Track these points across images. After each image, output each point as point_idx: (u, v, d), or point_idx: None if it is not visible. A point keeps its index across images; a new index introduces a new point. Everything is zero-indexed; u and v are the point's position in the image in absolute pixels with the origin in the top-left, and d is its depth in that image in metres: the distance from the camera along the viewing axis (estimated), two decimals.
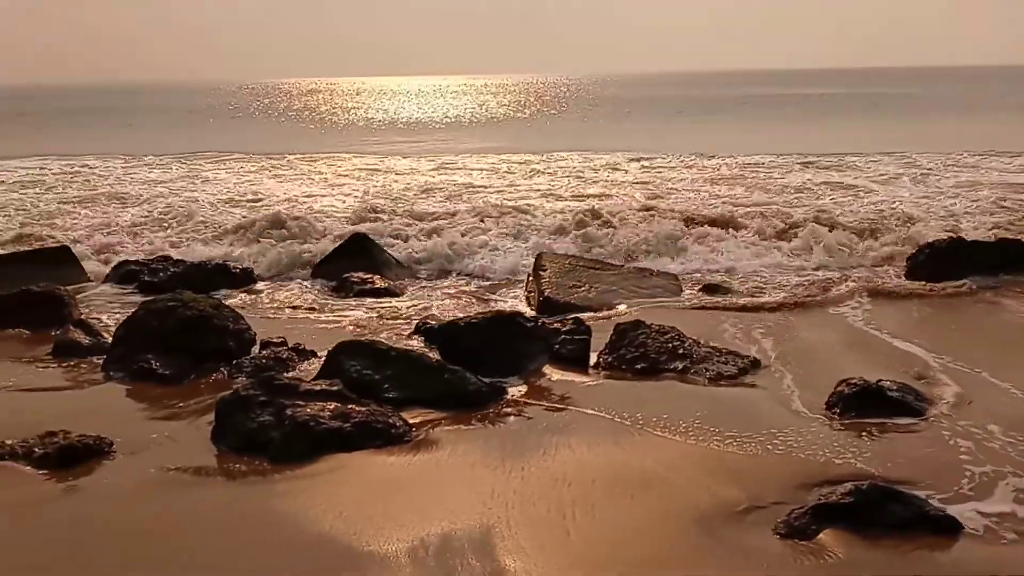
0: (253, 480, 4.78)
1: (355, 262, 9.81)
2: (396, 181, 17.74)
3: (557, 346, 6.65)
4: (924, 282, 9.00)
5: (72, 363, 6.75)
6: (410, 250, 11.05)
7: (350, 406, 5.28)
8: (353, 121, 48.16)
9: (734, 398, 5.91)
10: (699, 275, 9.95)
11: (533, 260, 9.60)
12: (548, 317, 7.44)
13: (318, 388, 5.45)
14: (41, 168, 19.86)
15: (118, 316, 7.78)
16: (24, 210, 14.26)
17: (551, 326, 6.86)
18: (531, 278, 9.21)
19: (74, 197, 15.61)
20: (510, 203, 14.01)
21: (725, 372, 6.32)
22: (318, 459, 4.89)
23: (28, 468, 4.83)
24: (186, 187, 16.96)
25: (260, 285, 9.80)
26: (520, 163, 20.37)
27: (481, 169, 19.63)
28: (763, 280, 9.70)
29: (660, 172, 18.46)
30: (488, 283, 9.86)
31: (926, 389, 5.87)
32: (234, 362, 6.59)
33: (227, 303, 7.63)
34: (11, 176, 18.43)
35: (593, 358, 6.65)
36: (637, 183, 16.86)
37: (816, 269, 10.18)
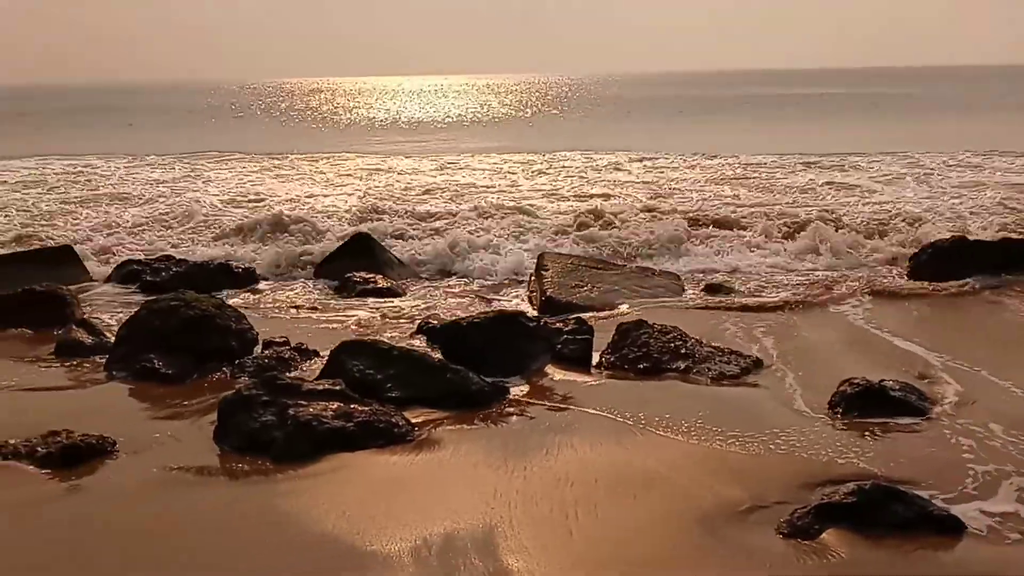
0: (255, 480, 4.78)
1: (357, 262, 9.82)
2: (398, 181, 17.74)
3: (559, 346, 6.65)
4: (927, 282, 9.00)
5: (75, 363, 6.75)
6: (412, 250, 11.06)
7: (353, 406, 5.28)
8: (355, 121, 48.19)
9: (736, 398, 5.90)
10: (701, 275, 9.95)
11: (535, 260, 9.60)
12: (550, 317, 7.45)
13: (321, 388, 5.45)
14: (43, 168, 19.86)
15: (120, 316, 7.77)
16: (26, 210, 14.26)
17: (553, 326, 6.86)
18: (533, 278, 9.21)
19: (76, 197, 15.60)
20: (512, 203, 14.01)
21: (727, 372, 6.31)
22: (321, 459, 4.89)
23: (31, 467, 4.83)
24: (188, 187, 16.96)
25: (262, 285, 9.81)
26: (522, 163, 20.37)
27: (483, 169, 19.63)
28: (765, 280, 9.70)
29: (662, 172, 18.45)
30: (490, 283, 9.87)
31: (928, 389, 5.87)
32: (236, 362, 6.59)
33: (229, 303, 7.63)
34: (13, 176, 18.42)
35: (595, 358, 6.64)
36: (640, 183, 16.85)
37: (819, 269, 10.18)
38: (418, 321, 7.68)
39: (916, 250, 9.93)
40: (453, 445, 5.12)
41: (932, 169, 17.67)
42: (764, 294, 8.95)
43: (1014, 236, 10.45)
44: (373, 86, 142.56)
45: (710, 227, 11.89)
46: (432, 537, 4.04)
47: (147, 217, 13.40)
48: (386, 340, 6.49)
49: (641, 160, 20.36)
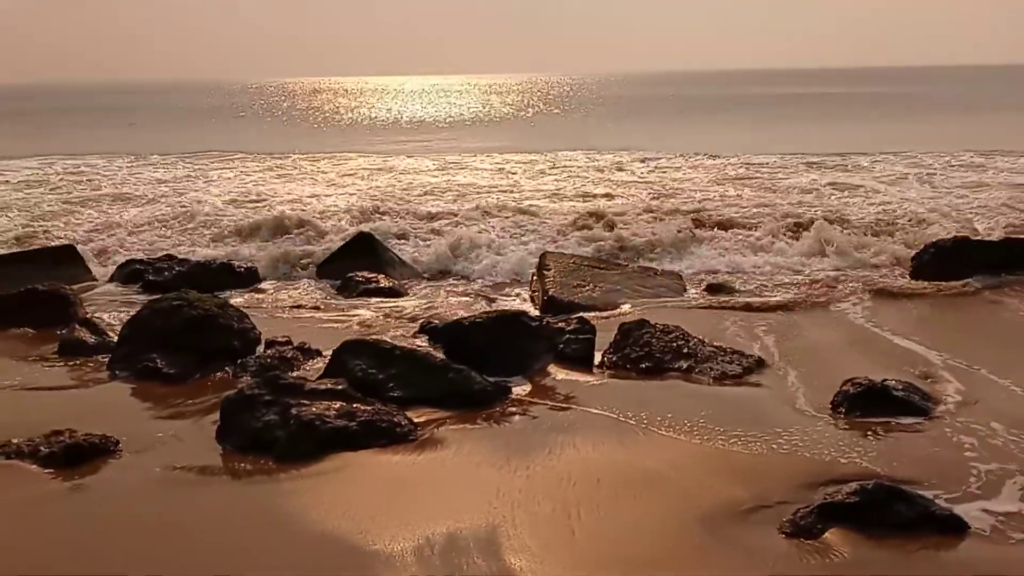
0: (258, 479, 4.78)
1: (360, 261, 9.83)
2: (400, 180, 17.75)
3: (562, 345, 6.65)
4: (928, 281, 9.00)
5: (77, 362, 6.75)
6: (415, 250, 11.07)
7: (355, 405, 5.27)
8: (357, 120, 48.21)
9: (739, 397, 5.90)
10: (703, 275, 9.96)
11: (537, 259, 9.61)
12: (553, 316, 7.45)
13: (323, 387, 5.44)
14: (45, 168, 19.88)
15: (123, 315, 7.77)
16: (28, 210, 14.27)
17: (556, 325, 6.86)
18: (535, 278, 9.21)
19: (78, 197, 15.61)
20: (514, 203, 14.02)
21: (730, 371, 6.31)
22: (323, 458, 4.89)
23: (34, 467, 4.84)
24: (190, 187, 16.97)
25: (265, 284, 9.82)
26: (524, 163, 20.38)
27: (485, 168, 19.64)
28: (767, 279, 9.70)
29: (665, 172, 18.45)
30: (493, 282, 9.89)
31: (931, 388, 5.86)
32: (239, 361, 6.59)
33: (232, 302, 7.63)
34: (15, 176, 18.45)
35: (598, 357, 6.64)
36: (642, 183, 16.85)
37: (821, 269, 10.17)
38: (420, 321, 7.68)
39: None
40: (456, 445, 5.12)
41: (935, 169, 17.68)
42: (766, 294, 8.96)
43: (1020, 236, 10.45)
44: (375, 86, 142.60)
45: (714, 229, 11.88)
46: (435, 536, 4.04)
47: (149, 217, 13.41)
48: (388, 340, 6.49)
49: (644, 160, 20.36)
